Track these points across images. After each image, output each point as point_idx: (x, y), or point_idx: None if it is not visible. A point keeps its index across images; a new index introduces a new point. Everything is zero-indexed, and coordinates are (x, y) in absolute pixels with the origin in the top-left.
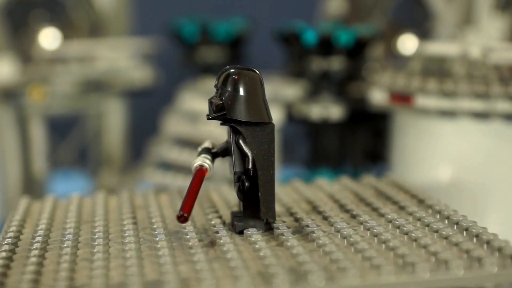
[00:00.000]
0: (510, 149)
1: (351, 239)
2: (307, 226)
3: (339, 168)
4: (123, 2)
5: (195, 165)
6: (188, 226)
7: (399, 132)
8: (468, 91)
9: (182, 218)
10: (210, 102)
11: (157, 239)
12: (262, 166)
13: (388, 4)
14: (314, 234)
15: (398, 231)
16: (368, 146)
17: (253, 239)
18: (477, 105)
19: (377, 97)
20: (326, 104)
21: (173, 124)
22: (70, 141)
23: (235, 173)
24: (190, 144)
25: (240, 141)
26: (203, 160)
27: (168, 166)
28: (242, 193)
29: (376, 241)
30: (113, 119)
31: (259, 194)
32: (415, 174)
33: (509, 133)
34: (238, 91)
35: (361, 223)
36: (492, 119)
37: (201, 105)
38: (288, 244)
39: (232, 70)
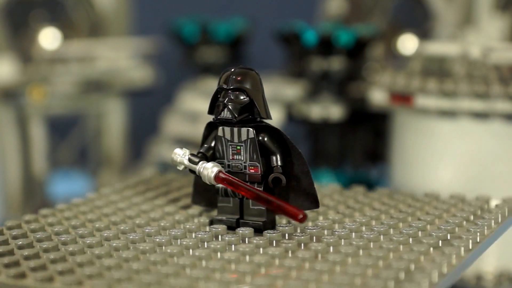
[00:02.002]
0: (510, 149)
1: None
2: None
3: (339, 168)
4: (123, 2)
5: (215, 172)
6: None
7: (399, 132)
8: (468, 91)
9: (305, 217)
10: (230, 104)
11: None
12: (291, 160)
13: (388, 4)
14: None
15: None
16: (368, 146)
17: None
18: (477, 105)
19: (377, 97)
20: (326, 104)
21: (173, 124)
22: (70, 141)
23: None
24: (190, 144)
25: (266, 140)
26: (216, 165)
27: (168, 166)
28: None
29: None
30: (113, 119)
31: (300, 187)
32: (415, 174)
33: (509, 133)
34: (257, 91)
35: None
36: (492, 119)
37: (201, 105)
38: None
39: (243, 70)
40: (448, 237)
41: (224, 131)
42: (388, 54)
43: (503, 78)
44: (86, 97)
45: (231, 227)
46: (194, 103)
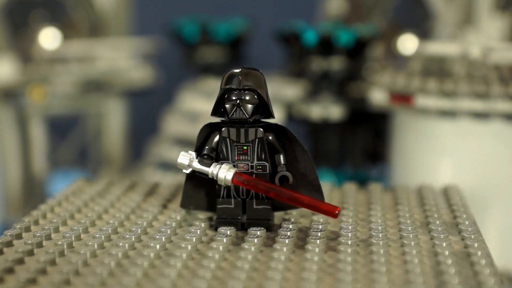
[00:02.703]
0: (510, 149)
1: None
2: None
3: (339, 168)
4: (123, 2)
5: (233, 174)
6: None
7: (399, 132)
8: (468, 91)
9: (340, 211)
10: (242, 103)
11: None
12: (296, 157)
13: (388, 4)
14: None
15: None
16: (368, 146)
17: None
18: (477, 105)
19: (377, 97)
20: (326, 104)
21: (173, 124)
22: (70, 141)
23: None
24: (190, 144)
25: (272, 139)
26: (231, 166)
27: (168, 166)
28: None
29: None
30: (113, 119)
31: (307, 182)
32: (415, 174)
33: (509, 133)
34: (264, 91)
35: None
36: (492, 119)
37: (201, 105)
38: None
39: (251, 70)
40: None
41: (229, 132)
42: (388, 54)
43: (503, 78)
44: (86, 97)
45: (236, 228)
46: (194, 103)
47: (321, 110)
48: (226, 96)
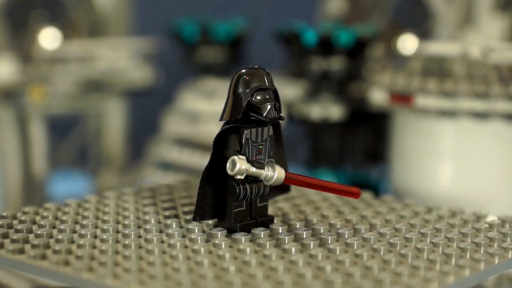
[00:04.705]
0: (510, 149)
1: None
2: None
3: (339, 168)
4: (123, 2)
5: (284, 172)
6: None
7: (399, 132)
8: (468, 91)
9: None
10: (274, 104)
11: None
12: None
13: (388, 4)
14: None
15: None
16: (368, 146)
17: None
18: (477, 105)
19: (377, 97)
20: (326, 104)
21: (173, 124)
22: (70, 141)
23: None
24: (190, 144)
25: (273, 136)
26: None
27: (168, 166)
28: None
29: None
30: (113, 119)
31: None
32: (415, 174)
33: (509, 133)
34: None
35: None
36: (492, 119)
37: (201, 105)
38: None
39: (263, 70)
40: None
41: (251, 133)
42: (388, 54)
43: (503, 78)
44: (86, 97)
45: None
46: (194, 103)
47: (321, 110)
48: (255, 96)
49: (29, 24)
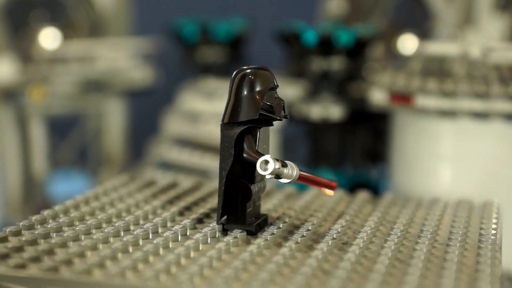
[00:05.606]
0: (510, 149)
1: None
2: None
3: (339, 168)
4: (123, 2)
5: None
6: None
7: (399, 132)
8: (468, 91)
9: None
10: (284, 103)
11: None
12: None
13: (388, 4)
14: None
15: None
16: (368, 146)
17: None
18: (477, 105)
19: (377, 97)
20: (326, 104)
21: (173, 124)
22: (70, 141)
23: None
24: (190, 144)
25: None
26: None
27: (168, 166)
28: None
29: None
30: (113, 119)
31: None
32: (415, 174)
33: (509, 133)
34: None
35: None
36: (492, 119)
37: (201, 105)
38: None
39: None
40: None
41: (261, 131)
42: (388, 54)
43: (503, 78)
44: (86, 97)
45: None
46: (194, 103)
47: (321, 110)
48: (268, 96)
49: (29, 24)
